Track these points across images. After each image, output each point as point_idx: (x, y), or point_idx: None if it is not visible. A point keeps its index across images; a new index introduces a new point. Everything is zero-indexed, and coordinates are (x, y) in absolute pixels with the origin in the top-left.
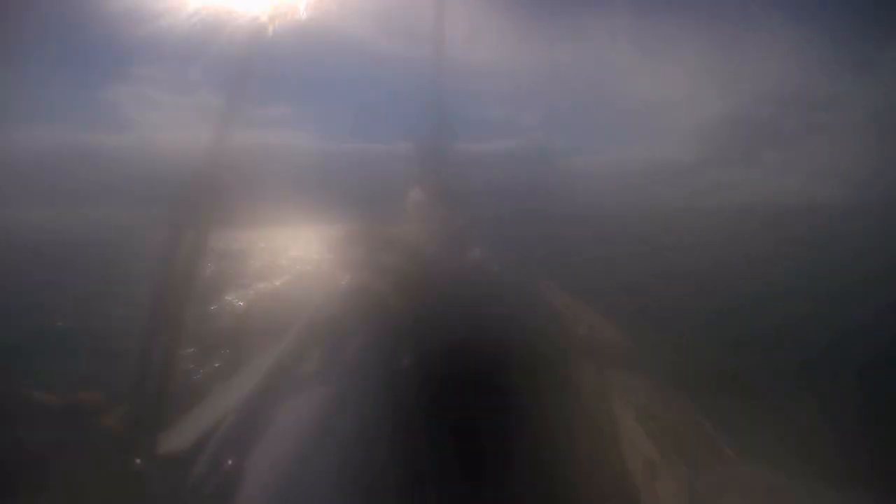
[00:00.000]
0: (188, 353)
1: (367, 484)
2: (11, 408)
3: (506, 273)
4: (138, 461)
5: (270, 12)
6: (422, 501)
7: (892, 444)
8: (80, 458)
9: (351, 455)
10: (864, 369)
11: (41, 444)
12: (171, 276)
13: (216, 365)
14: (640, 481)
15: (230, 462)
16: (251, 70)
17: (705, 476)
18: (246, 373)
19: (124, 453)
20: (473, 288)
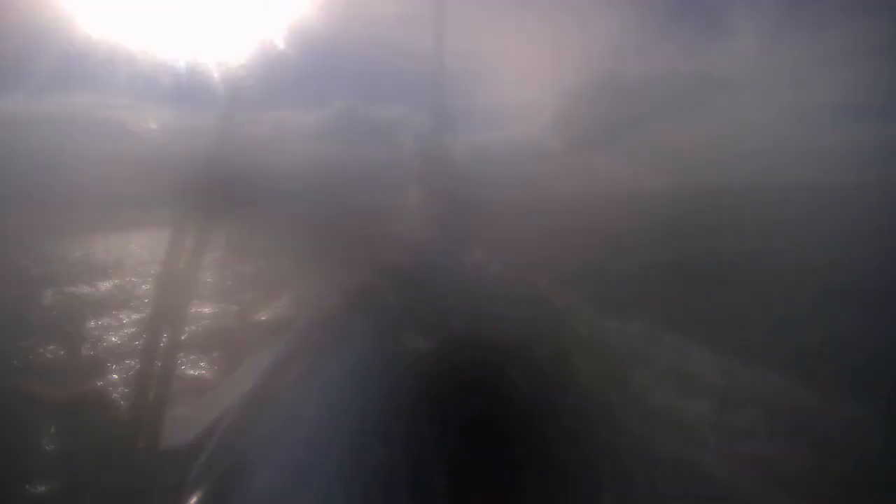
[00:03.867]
0: (190, 350)
1: (368, 478)
2: (13, 400)
3: (506, 273)
4: (140, 454)
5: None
6: (423, 497)
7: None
8: (81, 449)
9: (352, 449)
10: None
11: (43, 436)
12: (172, 275)
13: (218, 362)
14: (640, 478)
15: (231, 455)
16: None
17: (705, 477)
18: (247, 370)
19: (126, 446)
20: (475, 287)
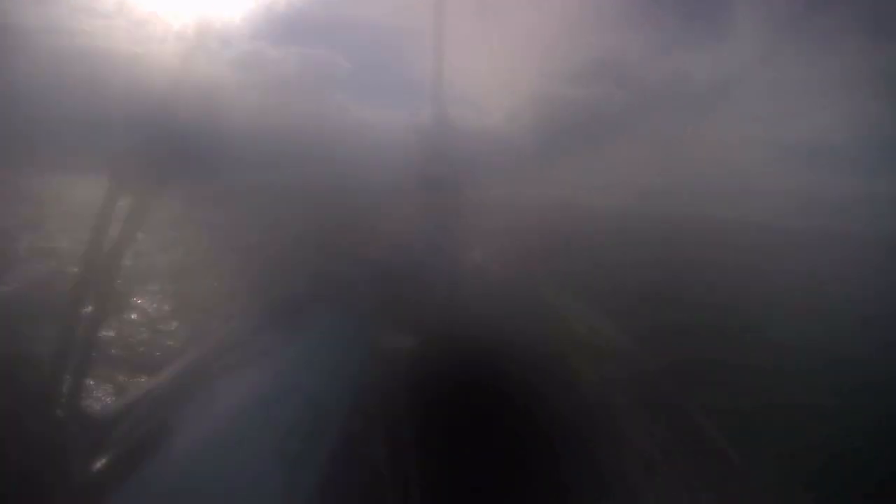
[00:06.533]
0: (135, 321)
1: (315, 472)
2: None
3: (506, 272)
4: (59, 413)
5: None
6: (405, 501)
7: None
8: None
9: (286, 429)
10: None
11: None
12: (108, 241)
13: (167, 338)
14: (639, 481)
15: (153, 423)
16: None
17: (705, 477)
18: (191, 349)
19: (46, 406)
20: (471, 286)
